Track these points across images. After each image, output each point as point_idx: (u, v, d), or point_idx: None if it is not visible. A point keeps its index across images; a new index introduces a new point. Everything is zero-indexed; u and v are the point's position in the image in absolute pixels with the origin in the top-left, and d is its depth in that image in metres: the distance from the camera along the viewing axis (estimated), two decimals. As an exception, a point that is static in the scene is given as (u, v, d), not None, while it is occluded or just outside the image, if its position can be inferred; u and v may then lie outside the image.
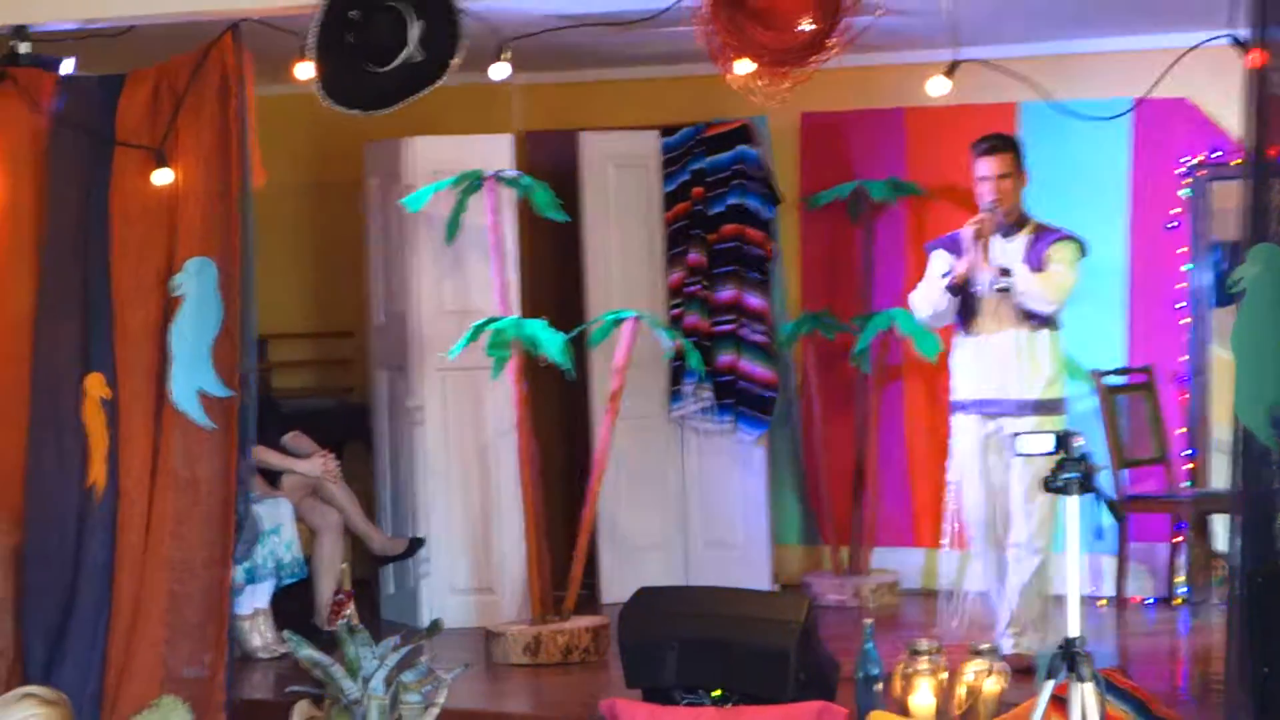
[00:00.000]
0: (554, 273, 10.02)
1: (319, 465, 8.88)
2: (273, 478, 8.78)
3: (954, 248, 7.87)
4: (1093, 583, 9.12)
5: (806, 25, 6.67)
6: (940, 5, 6.86)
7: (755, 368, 9.54)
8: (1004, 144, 7.86)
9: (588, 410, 9.50)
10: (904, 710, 6.60)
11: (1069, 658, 5.45)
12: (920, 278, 8.02)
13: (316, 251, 10.56)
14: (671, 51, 9.14)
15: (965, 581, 8.12)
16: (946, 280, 7.78)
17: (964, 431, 7.86)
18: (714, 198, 9.65)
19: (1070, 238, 7.78)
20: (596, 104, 10.13)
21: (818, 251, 9.96)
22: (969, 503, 7.86)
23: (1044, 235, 7.79)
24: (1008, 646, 7.56)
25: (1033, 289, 7.65)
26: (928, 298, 7.90)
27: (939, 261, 7.89)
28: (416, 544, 8.95)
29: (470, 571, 9.01)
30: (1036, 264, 7.72)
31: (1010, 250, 7.80)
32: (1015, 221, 7.83)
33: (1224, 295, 8.86)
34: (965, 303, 7.85)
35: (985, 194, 7.80)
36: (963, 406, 7.88)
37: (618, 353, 8.37)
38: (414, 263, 8.98)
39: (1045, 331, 7.74)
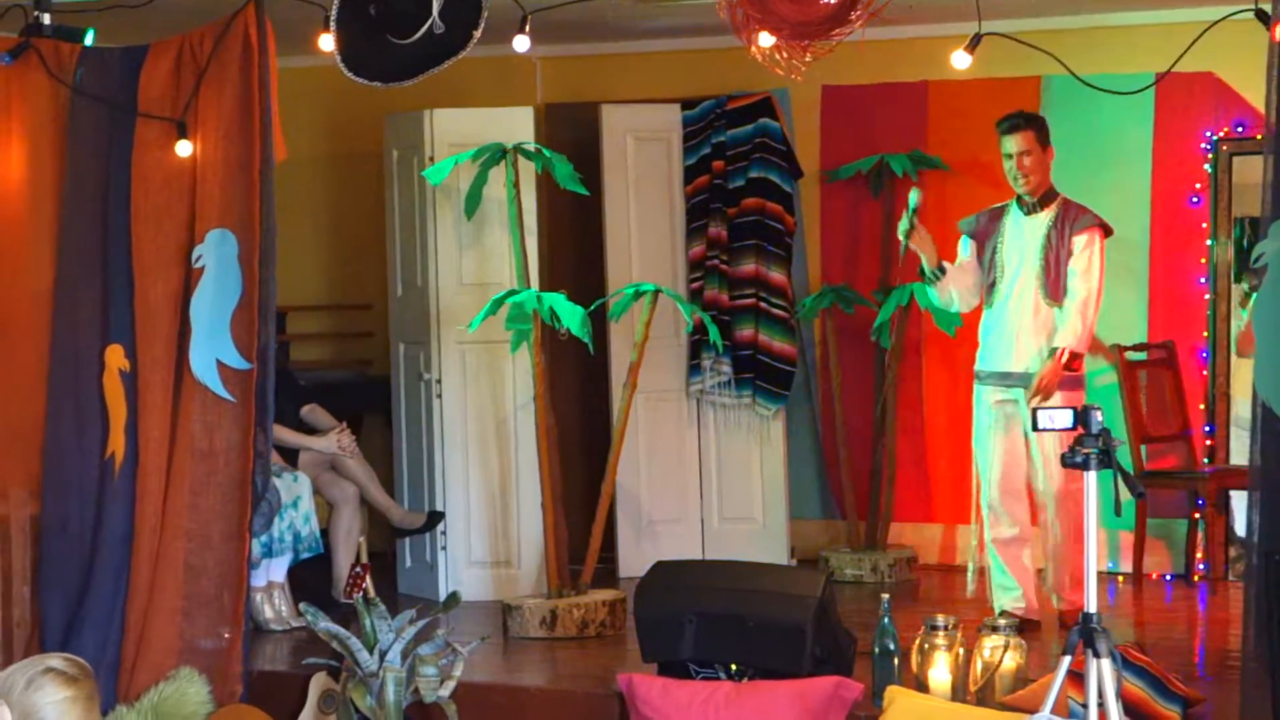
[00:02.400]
0: (574, 246, 10.01)
1: (334, 442, 8.85)
2: (290, 453, 8.77)
3: (972, 228, 7.90)
4: (1110, 558, 9.10)
5: (829, -2, 6.64)
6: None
7: (774, 342, 9.52)
8: (1025, 121, 7.84)
9: (607, 384, 9.48)
10: (921, 685, 6.59)
11: (1086, 633, 5.44)
12: (944, 254, 8.02)
13: (335, 223, 10.55)
14: (693, 24, 9.12)
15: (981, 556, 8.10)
16: (937, 272, 7.85)
17: (982, 403, 7.87)
18: (735, 171, 9.62)
19: (1094, 226, 7.75)
20: (617, 76, 10.11)
21: (838, 225, 9.94)
22: (988, 474, 7.86)
23: (1069, 213, 7.78)
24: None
25: (1079, 336, 7.69)
26: (945, 288, 7.94)
27: (961, 248, 7.95)
28: (436, 517, 8.94)
29: (488, 545, 9.01)
30: (1060, 245, 7.71)
31: (1033, 227, 7.79)
32: (1041, 198, 7.83)
33: (1246, 270, 8.84)
34: (987, 272, 7.88)
35: (1009, 171, 7.81)
36: (982, 377, 7.90)
37: (637, 327, 8.36)
38: (433, 235, 8.97)
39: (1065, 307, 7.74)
